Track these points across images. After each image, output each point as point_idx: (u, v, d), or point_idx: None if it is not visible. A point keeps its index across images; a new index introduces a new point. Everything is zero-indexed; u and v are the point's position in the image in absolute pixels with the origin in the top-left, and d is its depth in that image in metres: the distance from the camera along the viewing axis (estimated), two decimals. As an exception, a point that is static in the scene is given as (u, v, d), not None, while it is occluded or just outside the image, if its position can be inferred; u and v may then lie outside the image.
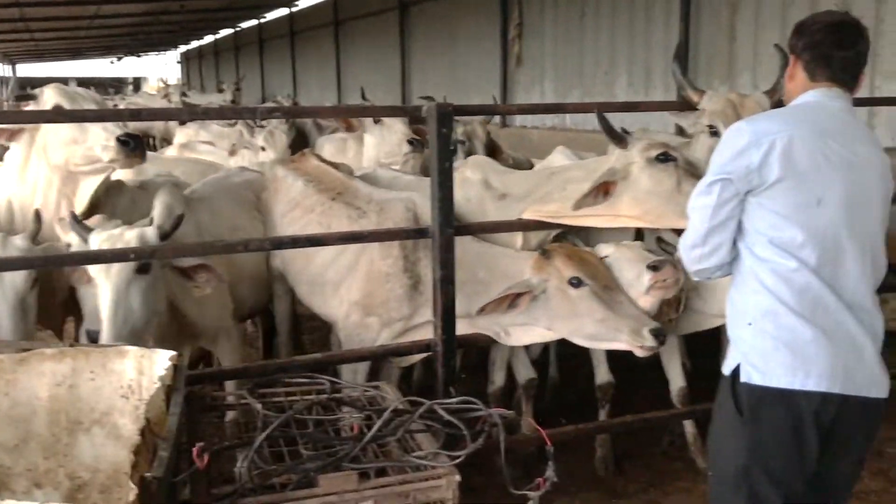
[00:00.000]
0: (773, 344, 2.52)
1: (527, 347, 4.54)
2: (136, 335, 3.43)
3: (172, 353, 2.90)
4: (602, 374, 4.63)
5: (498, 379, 4.55)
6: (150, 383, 2.86)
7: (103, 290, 3.34)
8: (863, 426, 2.61)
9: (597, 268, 3.68)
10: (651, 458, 4.74)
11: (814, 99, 2.64)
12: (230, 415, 3.18)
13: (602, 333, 3.59)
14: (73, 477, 3.01)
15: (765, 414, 2.53)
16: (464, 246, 3.87)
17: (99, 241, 3.45)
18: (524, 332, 3.80)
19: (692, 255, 2.70)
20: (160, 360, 2.91)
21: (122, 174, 4.42)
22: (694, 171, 3.70)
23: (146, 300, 3.45)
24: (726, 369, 2.67)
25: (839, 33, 2.60)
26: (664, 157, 3.75)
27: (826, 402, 2.49)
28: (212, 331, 4.10)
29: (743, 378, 2.57)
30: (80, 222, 3.59)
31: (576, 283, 3.56)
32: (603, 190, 3.82)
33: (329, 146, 6.95)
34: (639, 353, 3.54)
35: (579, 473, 4.54)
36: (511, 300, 3.63)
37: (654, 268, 3.63)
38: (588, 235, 4.26)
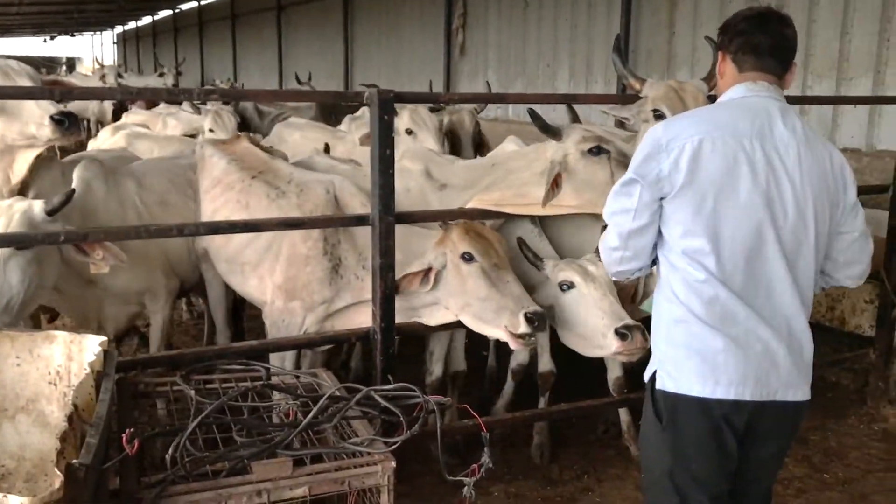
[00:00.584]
0: (684, 353, 2.53)
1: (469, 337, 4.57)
2: (11, 312, 3.39)
3: (103, 338, 2.83)
4: (544, 363, 4.67)
5: (436, 370, 4.56)
6: (80, 369, 2.79)
7: None
8: (782, 427, 2.64)
9: (491, 245, 3.65)
10: (587, 446, 4.82)
11: (738, 95, 2.62)
12: (163, 402, 3.12)
13: (484, 314, 3.53)
14: (-3, 465, 2.93)
15: (681, 420, 2.56)
16: None
17: None
18: (434, 312, 3.83)
19: (613, 256, 2.67)
20: (90, 346, 2.84)
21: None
22: (627, 163, 3.75)
23: (25, 276, 3.39)
24: (646, 375, 2.70)
25: (762, 21, 2.62)
26: (597, 150, 3.84)
27: (739, 408, 2.51)
28: (135, 298, 4.12)
29: (658, 385, 2.59)
30: None
31: (468, 258, 3.56)
32: (555, 182, 3.89)
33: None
34: (514, 345, 3.47)
35: (515, 461, 4.59)
36: (421, 277, 3.67)
37: (622, 335, 3.52)
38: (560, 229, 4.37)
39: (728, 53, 2.67)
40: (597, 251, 3.29)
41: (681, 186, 2.47)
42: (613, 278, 2.90)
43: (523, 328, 3.36)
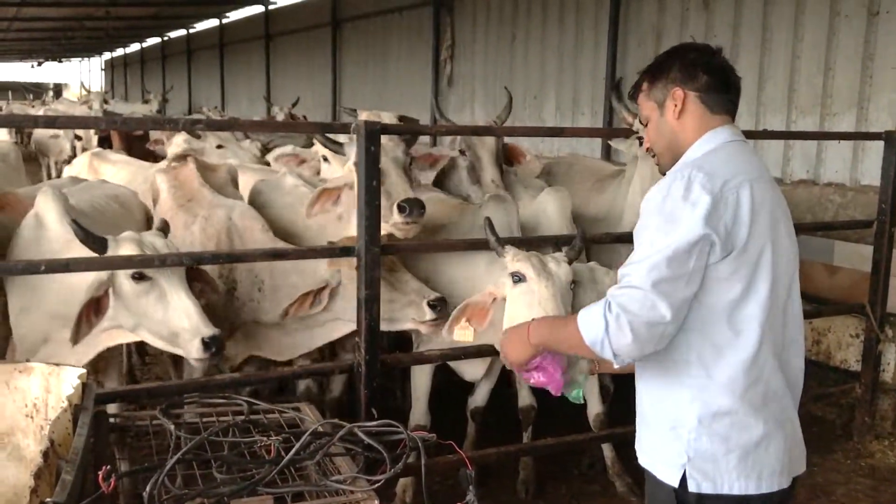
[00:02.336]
0: (724, 447, 2.21)
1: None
2: None
3: (82, 370, 2.77)
4: (524, 398, 4.64)
5: (335, 389, 4.67)
6: (58, 402, 2.73)
7: None
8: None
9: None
10: (571, 481, 4.77)
11: (729, 138, 2.33)
12: (143, 436, 3.06)
13: (393, 314, 3.75)
14: (-30, 501, 2.86)
15: None
16: None
17: None
18: (333, 328, 3.97)
19: (656, 332, 2.14)
20: (68, 378, 2.78)
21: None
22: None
23: None
24: (661, 474, 2.30)
25: (722, 59, 2.38)
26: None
27: (776, 497, 2.26)
28: None
29: (692, 488, 2.22)
30: None
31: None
32: (332, 197, 4.08)
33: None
34: (423, 329, 3.74)
35: (501, 495, 4.53)
36: (312, 298, 3.78)
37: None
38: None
39: (691, 91, 2.34)
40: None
41: (744, 241, 2.16)
42: (626, 360, 2.22)
43: (429, 315, 3.67)
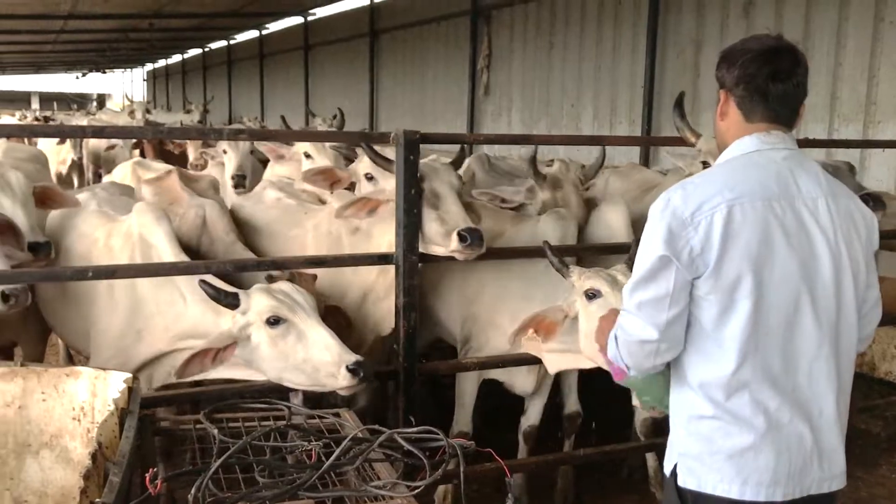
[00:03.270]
0: (707, 448, 2.25)
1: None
2: None
3: (127, 374, 2.84)
4: (571, 404, 4.61)
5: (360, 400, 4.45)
6: (104, 406, 2.79)
7: None
8: None
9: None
10: (610, 490, 4.74)
11: (753, 147, 2.27)
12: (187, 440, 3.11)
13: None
14: (20, 502, 2.93)
15: None
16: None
17: None
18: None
19: (646, 350, 2.24)
20: (114, 382, 2.85)
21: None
22: (434, 202, 3.76)
23: None
24: (666, 466, 2.40)
25: (774, 62, 2.24)
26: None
27: None
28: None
29: (680, 481, 2.30)
30: None
31: (273, 321, 3.23)
32: (369, 205, 3.92)
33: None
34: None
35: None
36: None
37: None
38: None
39: (732, 97, 2.30)
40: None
41: (714, 264, 2.14)
42: (636, 372, 2.38)
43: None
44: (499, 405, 4.71)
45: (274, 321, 3.20)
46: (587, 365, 3.69)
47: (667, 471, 2.37)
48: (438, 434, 2.66)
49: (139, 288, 3.56)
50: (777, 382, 2.20)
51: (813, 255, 2.20)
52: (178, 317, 3.47)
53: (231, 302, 3.24)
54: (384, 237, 3.98)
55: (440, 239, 3.70)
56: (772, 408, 2.20)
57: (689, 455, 2.28)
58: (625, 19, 10.04)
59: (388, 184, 3.95)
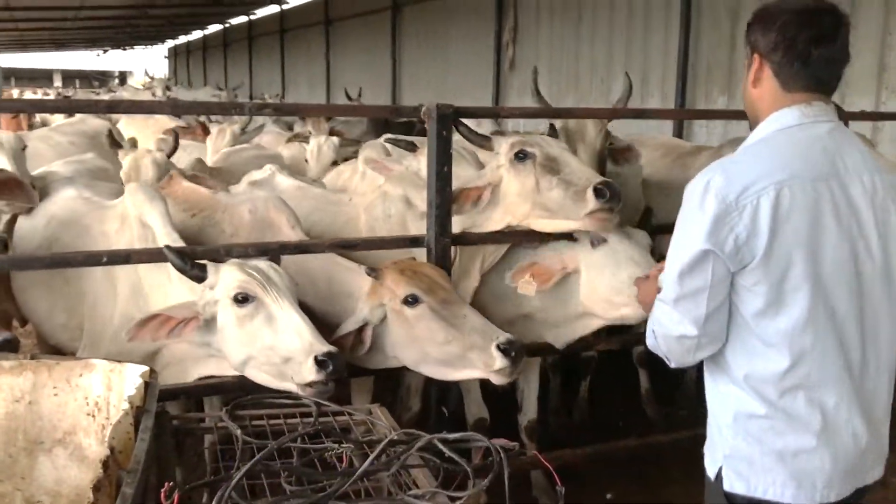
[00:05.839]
0: (758, 449, 2.11)
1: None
2: None
3: (144, 367, 2.64)
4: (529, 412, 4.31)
5: (414, 405, 4.24)
6: (119, 400, 2.62)
7: None
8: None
9: (433, 280, 3.20)
10: (652, 481, 4.54)
11: (794, 122, 2.08)
12: (207, 438, 2.92)
13: (449, 358, 3.05)
14: (32, 502, 2.76)
15: None
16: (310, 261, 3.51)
17: None
18: (369, 357, 3.30)
19: (685, 345, 2.11)
20: (130, 376, 2.66)
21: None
22: (553, 167, 3.46)
23: None
24: (708, 468, 2.26)
25: (815, 24, 2.03)
26: (523, 155, 3.49)
27: None
28: None
29: (727, 486, 2.16)
30: None
31: (411, 300, 3.09)
32: (474, 197, 3.58)
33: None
34: (495, 380, 3.02)
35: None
36: (351, 340, 3.15)
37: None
38: None
39: (768, 62, 2.09)
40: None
41: (763, 253, 1.98)
42: (678, 365, 2.25)
43: (500, 362, 2.92)
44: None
45: (242, 299, 2.88)
46: (590, 329, 3.70)
47: (710, 474, 2.22)
48: (480, 437, 2.44)
49: (139, 274, 3.33)
50: (836, 379, 2.07)
51: (864, 239, 2.06)
52: (166, 299, 3.19)
53: (197, 274, 2.95)
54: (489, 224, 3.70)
55: (570, 203, 3.32)
56: (829, 406, 2.07)
57: (736, 457, 2.15)
58: (657, -10, 9.71)
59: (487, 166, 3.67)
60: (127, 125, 8.05)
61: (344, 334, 3.14)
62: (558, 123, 4.21)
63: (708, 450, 2.25)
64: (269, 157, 6.23)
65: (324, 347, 2.74)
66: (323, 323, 3.17)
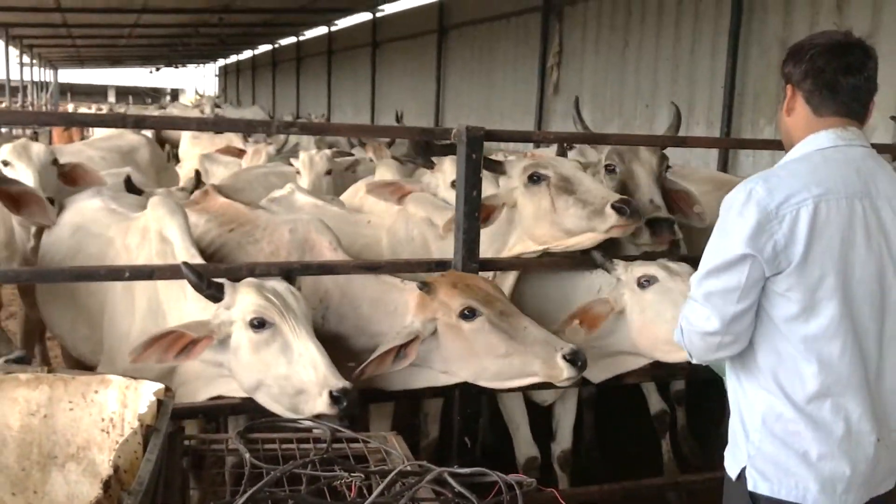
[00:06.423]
0: (783, 452, 2.17)
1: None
2: None
3: (159, 385, 2.60)
4: (655, 404, 4.41)
5: (432, 431, 4.16)
6: (134, 417, 2.58)
7: None
8: None
9: (488, 292, 3.16)
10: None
11: (830, 143, 2.21)
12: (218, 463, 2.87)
13: (510, 370, 3.03)
14: (42, 517, 2.73)
15: None
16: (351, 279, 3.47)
17: None
18: (413, 374, 3.25)
19: (710, 342, 2.22)
20: (146, 393, 2.62)
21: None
22: (567, 187, 3.47)
23: None
24: (729, 468, 2.33)
25: (844, 56, 2.20)
26: (537, 178, 3.52)
27: None
28: None
29: (751, 486, 2.22)
30: None
31: (468, 314, 3.04)
32: (484, 214, 3.53)
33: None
34: (560, 385, 3.06)
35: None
36: (395, 352, 3.08)
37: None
38: None
39: (800, 91, 2.26)
40: None
41: (799, 261, 2.09)
42: (698, 362, 2.39)
43: (567, 373, 2.94)
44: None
45: (258, 324, 2.83)
46: (631, 367, 3.57)
47: (732, 474, 2.29)
48: (491, 473, 2.34)
49: (157, 289, 3.30)
50: (858, 389, 2.15)
51: (891, 257, 2.16)
52: (181, 316, 3.15)
53: (214, 294, 2.90)
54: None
55: (587, 221, 3.36)
56: (854, 416, 2.15)
57: (762, 458, 2.21)
58: (705, 17, 9.55)
59: (501, 186, 3.67)
60: (192, 145, 8.19)
61: (388, 349, 3.07)
62: (605, 147, 4.16)
63: (729, 451, 2.32)
64: (279, 174, 6.23)
65: (339, 383, 2.71)
66: (363, 340, 3.21)
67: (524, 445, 3.99)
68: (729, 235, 2.15)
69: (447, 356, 3.12)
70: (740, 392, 2.30)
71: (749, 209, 2.11)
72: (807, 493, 2.15)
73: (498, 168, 3.69)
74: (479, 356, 3.05)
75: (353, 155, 6.56)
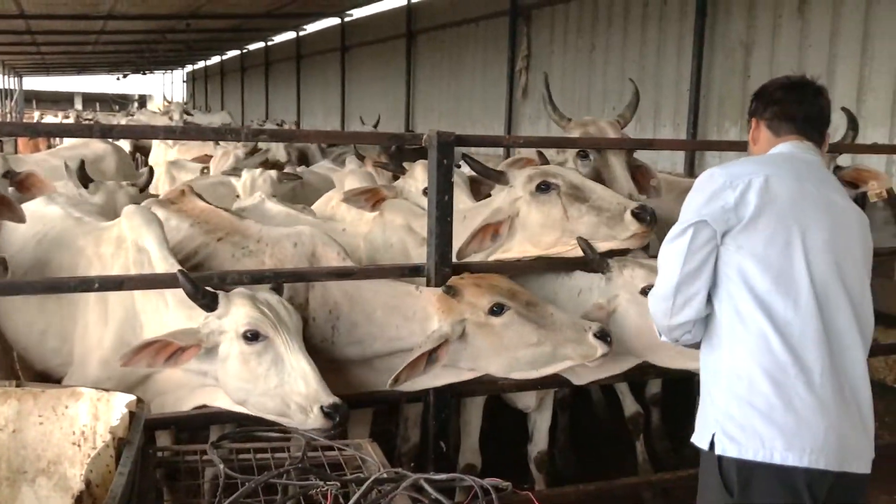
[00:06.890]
0: (752, 413, 2.27)
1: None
2: None
3: (131, 397, 2.58)
4: (629, 406, 4.43)
5: (413, 436, 4.16)
6: (106, 430, 2.56)
7: None
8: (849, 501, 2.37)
9: (510, 286, 3.26)
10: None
11: (786, 150, 2.53)
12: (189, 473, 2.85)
13: (542, 358, 3.14)
14: (13, 533, 2.70)
15: (757, 490, 2.27)
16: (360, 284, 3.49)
17: None
18: (438, 375, 3.29)
19: (661, 307, 2.44)
20: (118, 405, 2.60)
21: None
22: (579, 195, 3.48)
23: None
24: (698, 439, 2.42)
25: (798, 91, 2.58)
26: (545, 186, 3.50)
27: (822, 478, 2.25)
28: None
29: (718, 450, 2.31)
30: None
31: (497, 309, 3.14)
32: (491, 232, 3.55)
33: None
34: (591, 365, 3.17)
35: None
36: (425, 360, 3.15)
37: None
38: None
39: (762, 120, 2.61)
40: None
41: (749, 219, 2.32)
42: (663, 338, 2.57)
43: (601, 349, 3.07)
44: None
45: (252, 336, 2.84)
46: (617, 370, 3.57)
47: (702, 444, 2.36)
48: (466, 478, 2.36)
49: (133, 298, 3.27)
50: (819, 346, 2.25)
51: (844, 235, 2.38)
52: (161, 325, 3.13)
53: (208, 303, 2.89)
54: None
55: (606, 229, 3.36)
56: (815, 371, 2.24)
57: (728, 421, 2.29)
58: (670, 20, 9.65)
59: (500, 198, 3.63)
60: (164, 152, 8.14)
61: (420, 354, 3.13)
62: (577, 132, 4.21)
63: (699, 420, 2.42)
64: (223, 184, 6.06)
65: (329, 399, 2.74)
66: (378, 345, 3.29)
67: (469, 452, 4.01)
68: (686, 209, 2.42)
69: (477, 354, 3.20)
70: (707, 359, 2.44)
71: (705, 184, 2.40)
72: (773, 451, 2.23)
73: (501, 178, 3.67)
74: (511, 349, 3.14)
75: (299, 178, 6.28)
